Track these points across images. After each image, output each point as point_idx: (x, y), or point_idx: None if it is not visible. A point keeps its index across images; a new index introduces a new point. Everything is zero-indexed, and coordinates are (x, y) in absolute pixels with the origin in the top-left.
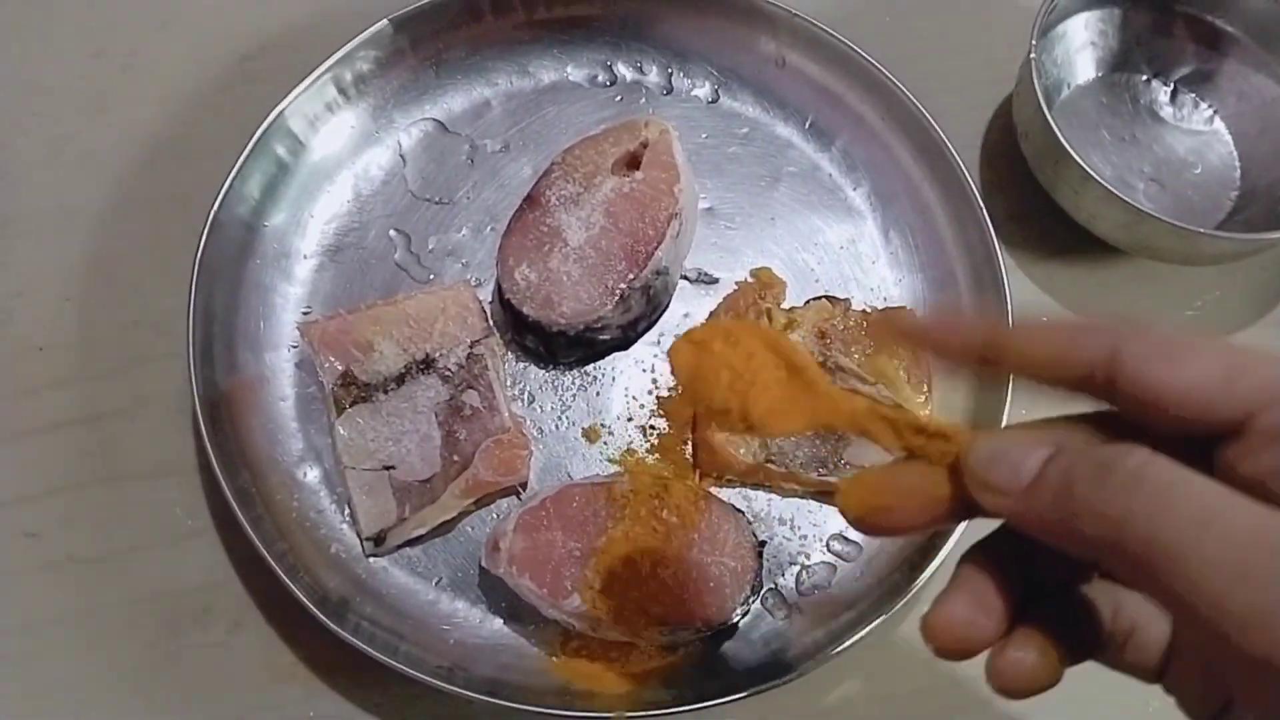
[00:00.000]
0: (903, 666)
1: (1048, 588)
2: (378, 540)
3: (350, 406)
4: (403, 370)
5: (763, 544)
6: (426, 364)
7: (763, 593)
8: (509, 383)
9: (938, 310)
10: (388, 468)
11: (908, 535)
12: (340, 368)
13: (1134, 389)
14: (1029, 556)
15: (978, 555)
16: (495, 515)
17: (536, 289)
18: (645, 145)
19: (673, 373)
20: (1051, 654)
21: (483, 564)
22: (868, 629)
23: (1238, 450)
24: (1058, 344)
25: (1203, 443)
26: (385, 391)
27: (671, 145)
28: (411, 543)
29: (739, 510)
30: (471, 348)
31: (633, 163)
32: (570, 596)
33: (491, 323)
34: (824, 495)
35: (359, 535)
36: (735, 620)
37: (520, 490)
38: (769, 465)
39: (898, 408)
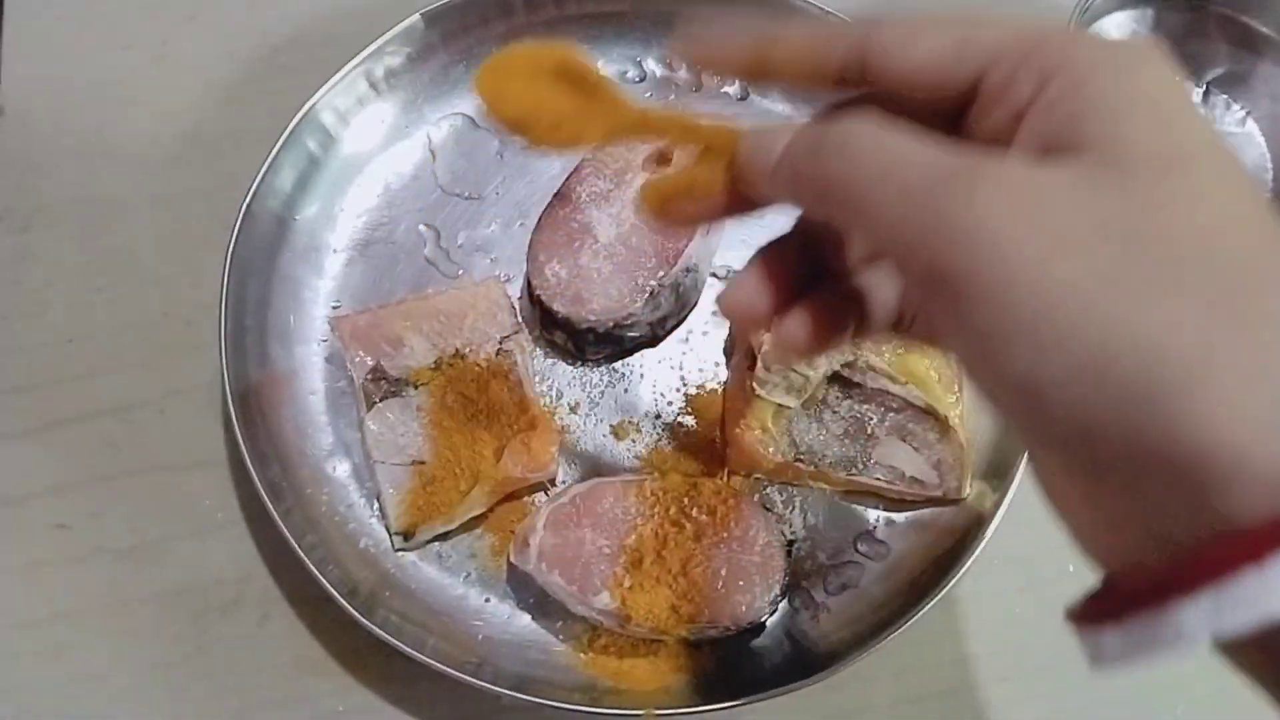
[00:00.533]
0: (932, 667)
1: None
2: (407, 535)
3: (380, 401)
4: (433, 365)
5: (792, 543)
6: (456, 359)
7: (791, 592)
8: (537, 379)
9: (706, 34)
10: (418, 462)
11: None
12: (370, 362)
13: (880, 75)
14: (815, 245)
15: (772, 244)
16: (523, 512)
17: (566, 285)
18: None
19: (481, 99)
20: (819, 326)
21: (511, 560)
22: (897, 630)
23: (974, 114)
24: (814, 47)
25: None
26: (415, 386)
27: None
28: (440, 538)
29: (768, 509)
30: (501, 343)
31: (663, 159)
32: (599, 594)
33: (520, 319)
34: (853, 495)
35: (388, 530)
36: (764, 619)
37: (549, 486)
38: (798, 464)
39: (681, 113)
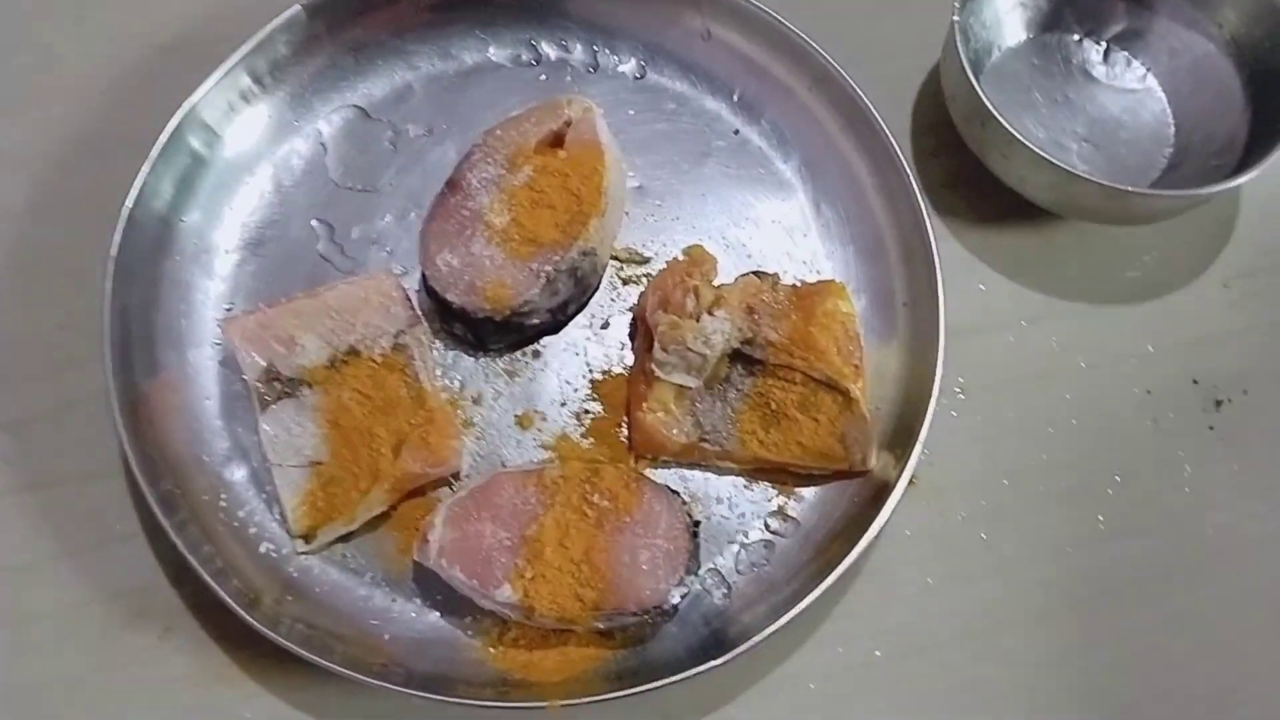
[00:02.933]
0: (851, 639)
1: None
2: (307, 538)
3: (275, 402)
4: (328, 363)
5: (697, 524)
6: (351, 355)
7: (701, 573)
8: (439, 372)
9: None
10: (315, 463)
11: None
12: (263, 363)
13: None
14: None
15: None
16: (428, 509)
17: (459, 274)
18: (569, 124)
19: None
20: None
21: (414, 557)
22: (807, 601)
23: None
24: None
25: None
26: (310, 386)
27: (595, 123)
28: (343, 539)
29: (674, 491)
30: (396, 337)
31: (556, 142)
32: (501, 586)
33: (418, 311)
34: (761, 473)
35: (288, 533)
36: (674, 603)
37: (453, 481)
38: (703, 444)
39: None
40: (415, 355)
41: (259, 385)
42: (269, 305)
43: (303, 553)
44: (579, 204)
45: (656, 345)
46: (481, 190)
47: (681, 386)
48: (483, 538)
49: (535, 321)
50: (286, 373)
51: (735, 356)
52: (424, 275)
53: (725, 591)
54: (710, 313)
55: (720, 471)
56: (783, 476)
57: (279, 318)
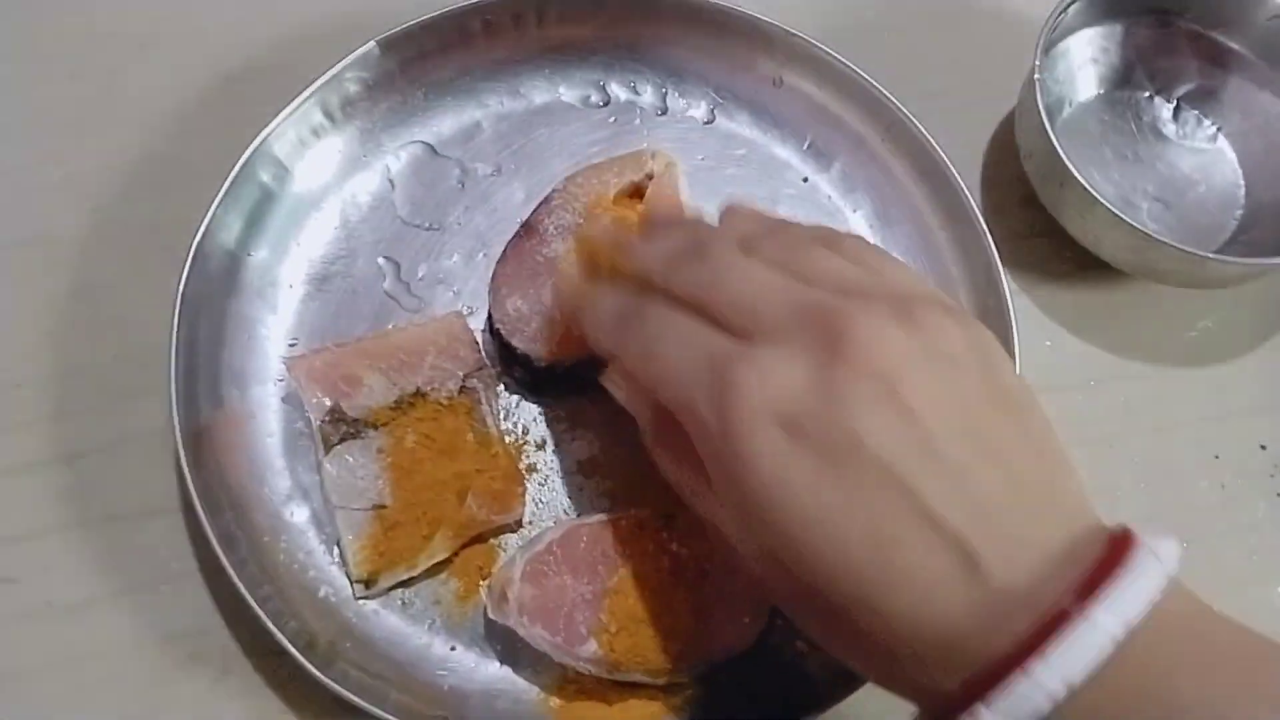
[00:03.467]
0: None
1: None
2: (368, 583)
3: (339, 443)
4: (394, 405)
5: None
6: (417, 398)
7: (777, 616)
8: (502, 415)
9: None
10: (379, 506)
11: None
12: (328, 403)
13: None
14: None
15: None
16: (490, 555)
17: (528, 320)
18: (650, 177)
19: None
20: None
21: (489, 615)
22: None
23: None
24: None
25: None
26: (375, 428)
27: (678, 180)
28: (404, 584)
29: None
30: (464, 381)
31: (636, 194)
32: (586, 642)
33: (484, 354)
34: None
35: (348, 577)
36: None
37: (516, 527)
38: None
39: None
40: (482, 399)
41: (324, 425)
42: (336, 344)
43: (362, 597)
44: None
45: None
46: (557, 237)
47: None
48: (564, 593)
49: (596, 376)
50: (352, 413)
51: None
52: (490, 317)
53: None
54: None
55: None
56: None
57: (346, 357)
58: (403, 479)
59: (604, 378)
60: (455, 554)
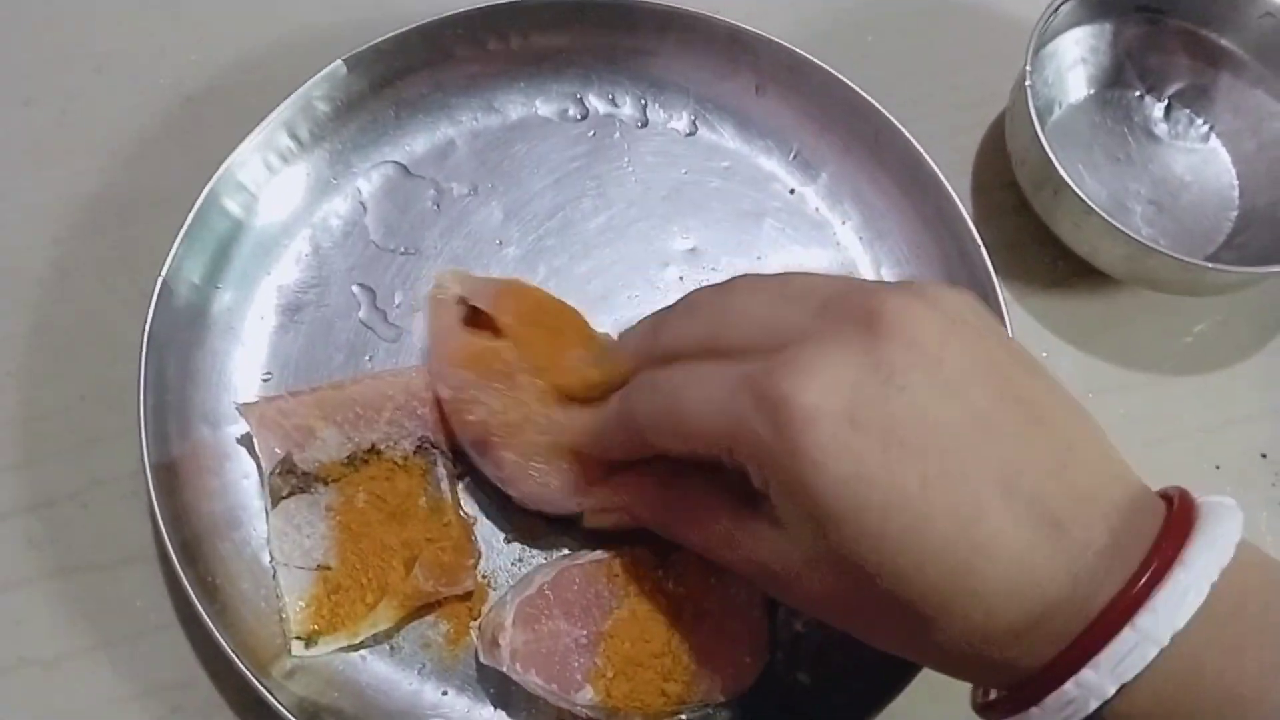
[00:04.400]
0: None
1: None
2: (308, 641)
3: (287, 497)
4: (346, 460)
5: (773, 603)
6: (372, 455)
7: (775, 649)
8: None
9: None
10: (323, 567)
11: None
12: (279, 453)
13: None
14: None
15: None
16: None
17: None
18: (461, 301)
19: None
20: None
21: (481, 660)
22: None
23: None
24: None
25: None
26: (325, 483)
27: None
28: (350, 648)
29: None
30: (420, 441)
31: (475, 321)
32: (583, 689)
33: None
34: None
35: (285, 634)
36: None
37: (465, 598)
38: None
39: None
40: (438, 462)
41: (274, 477)
42: (291, 392)
43: (298, 656)
44: None
45: None
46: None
47: None
48: (558, 638)
49: None
50: (303, 466)
51: None
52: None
53: (802, 669)
54: None
55: None
56: None
57: (300, 406)
58: (350, 541)
59: (588, 521)
60: (399, 625)
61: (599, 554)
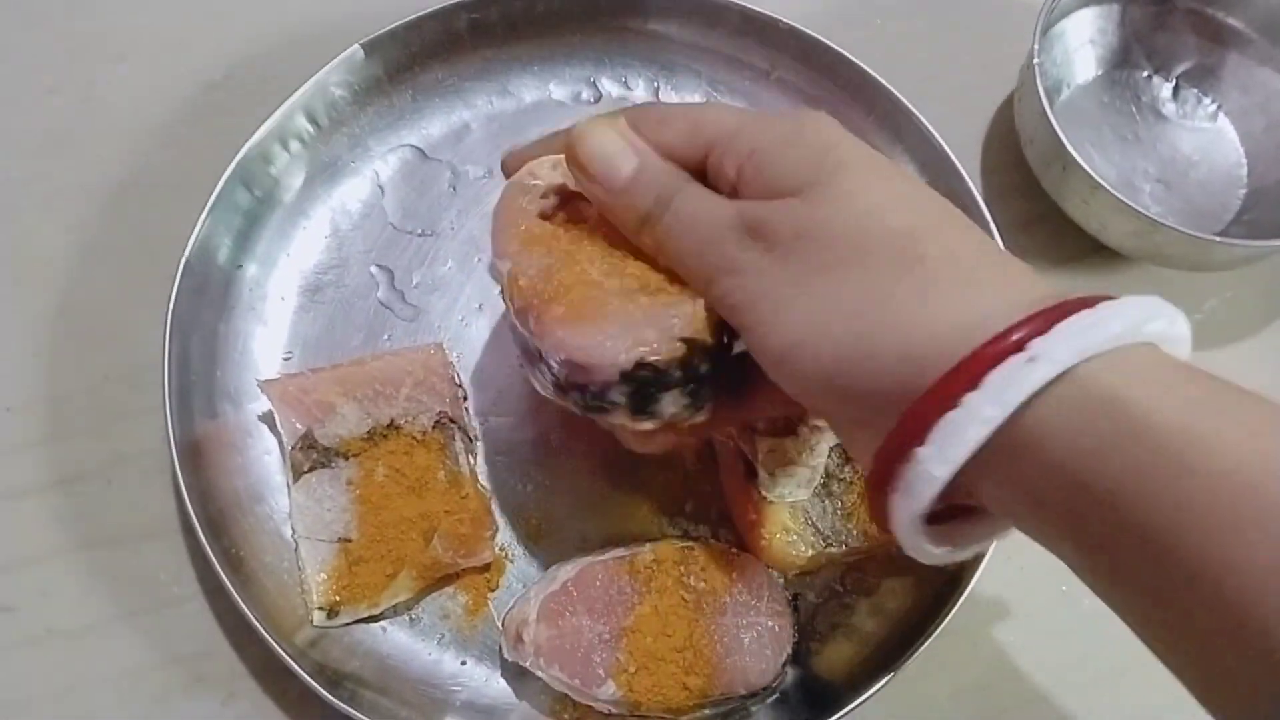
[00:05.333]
0: (928, 701)
1: None
2: (330, 612)
3: (308, 471)
4: (366, 436)
5: (796, 596)
6: (391, 430)
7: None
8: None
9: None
10: (344, 540)
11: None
12: (300, 429)
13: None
14: None
15: None
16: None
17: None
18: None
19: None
20: None
21: (505, 656)
22: (898, 668)
23: (709, 180)
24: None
25: None
26: (345, 458)
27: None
28: (371, 619)
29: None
30: (438, 417)
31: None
32: (605, 684)
33: (464, 388)
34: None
35: (307, 605)
36: (776, 682)
37: (483, 570)
38: (829, 550)
39: None
40: (456, 437)
41: (295, 452)
42: (312, 369)
43: (322, 626)
44: None
45: (761, 471)
46: None
47: (794, 502)
48: (580, 633)
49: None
50: (323, 442)
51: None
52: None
53: (805, 658)
54: (804, 422)
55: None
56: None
57: (321, 383)
58: (370, 514)
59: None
60: (419, 595)
61: (621, 551)
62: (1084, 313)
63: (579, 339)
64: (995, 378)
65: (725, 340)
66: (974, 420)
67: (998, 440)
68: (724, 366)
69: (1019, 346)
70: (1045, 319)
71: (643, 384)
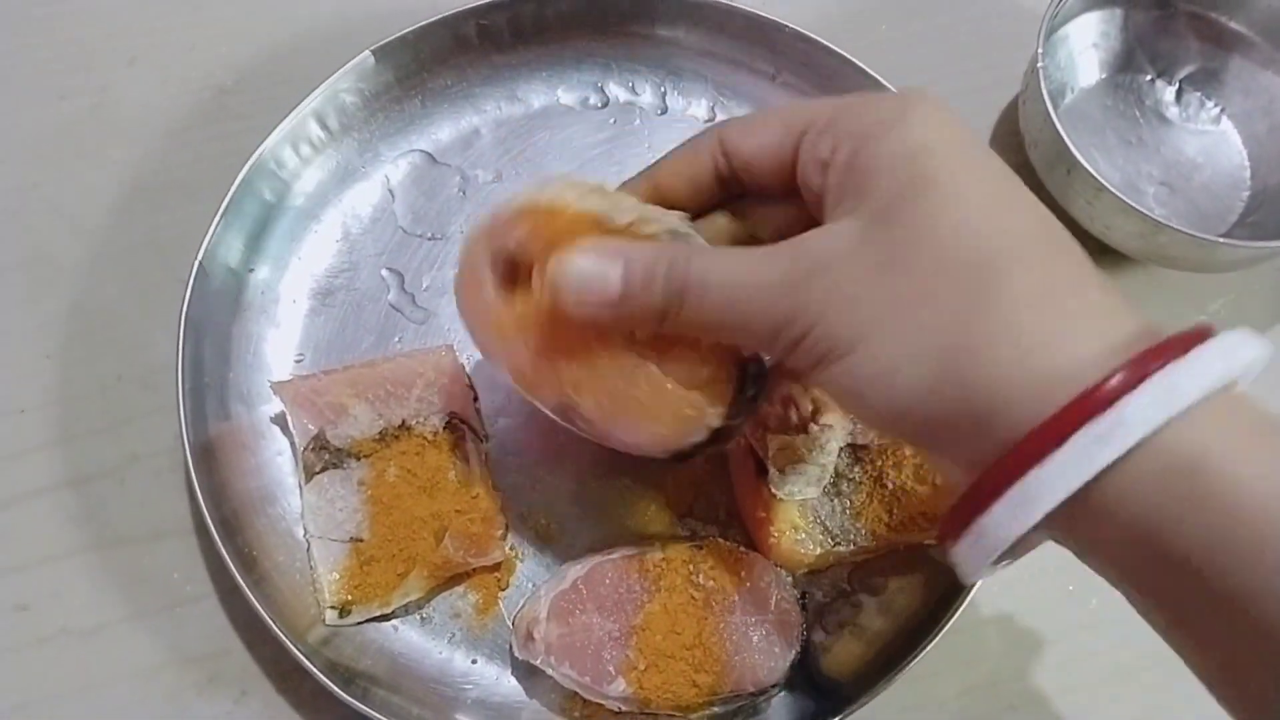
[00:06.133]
0: (937, 698)
1: None
2: (343, 611)
3: (320, 472)
4: (377, 436)
5: (804, 594)
6: (402, 431)
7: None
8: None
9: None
10: (356, 540)
11: None
12: (313, 429)
13: (738, 166)
14: None
15: None
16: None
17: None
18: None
19: None
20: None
21: (516, 654)
22: (905, 667)
23: (799, 178)
24: (688, 160)
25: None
26: (357, 458)
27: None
28: (383, 618)
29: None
30: (449, 417)
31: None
32: (615, 681)
33: (475, 389)
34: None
35: (319, 604)
36: (782, 679)
37: (494, 569)
38: (836, 549)
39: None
40: (467, 437)
41: (307, 453)
42: (324, 371)
43: (334, 625)
44: None
45: (772, 469)
46: None
47: (804, 500)
48: (590, 631)
49: None
50: (335, 442)
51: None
52: None
53: (813, 655)
54: (815, 421)
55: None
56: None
57: (333, 384)
58: (381, 514)
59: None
60: (430, 594)
61: (630, 549)
62: (1175, 365)
63: (630, 436)
64: (1080, 441)
65: (747, 393)
66: (1053, 489)
67: (1073, 499)
68: (744, 411)
69: (1108, 402)
70: (1136, 370)
71: (682, 454)
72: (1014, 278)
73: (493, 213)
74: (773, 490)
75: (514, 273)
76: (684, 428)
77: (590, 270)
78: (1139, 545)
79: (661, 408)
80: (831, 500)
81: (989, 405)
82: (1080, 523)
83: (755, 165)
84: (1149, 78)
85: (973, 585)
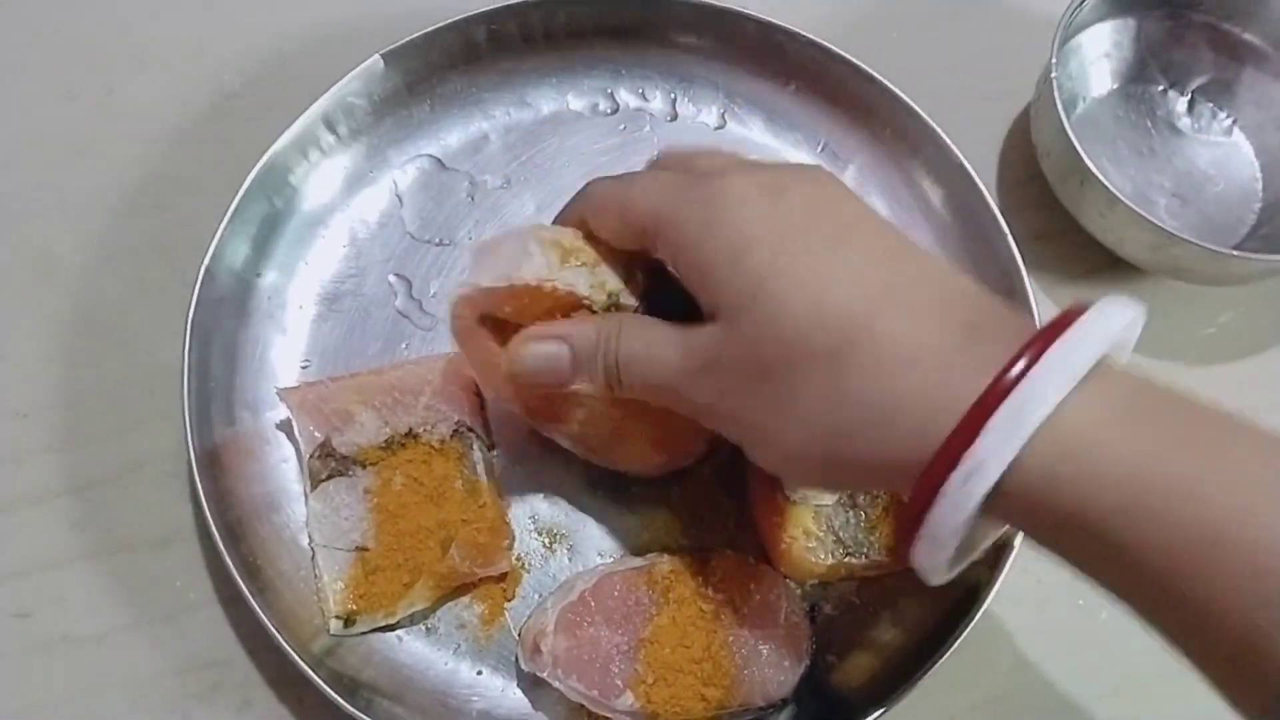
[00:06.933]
0: (945, 715)
1: None
2: (348, 620)
3: (326, 479)
4: (384, 444)
5: (813, 608)
6: (409, 439)
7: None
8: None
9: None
10: (361, 549)
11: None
12: (319, 437)
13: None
14: None
15: None
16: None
17: None
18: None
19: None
20: None
21: (522, 666)
22: (916, 682)
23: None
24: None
25: None
26: (363, 466)
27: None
28: (388, 628)
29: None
30: (457, 426)
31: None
32: (623, 694)
33: (482, 397)
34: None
35: (324, 613)
36: (793, 693)
37: (500, 579)
38: (849, 560)
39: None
40: (474, 446)
41: (313, 460)
42: (331, 378)
43: (339, 635)
44: None
45: None
46: None
47: (818, 506)
48: (598, 644)
49: None
50: (341, 450)
51: None
52: None
53: (822, 669)
54: None
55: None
56: None
57: (339, 391)
58: (387, 522)
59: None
60: (435, 604)
61: (639, 561)
62: (1061, 344)
63: (630, 467)
64: (996, 430)
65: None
66: (983, 475)
67: (1002, 486)
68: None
69: (1008, 390)
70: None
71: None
72: (863, 350)
73: (474, 281)
74: (787, 494)
75: (504, 328)
76: (679, 452)
77: (542, 354)
78: (1069, 525)
79: (651, 442)
80: (847, 511)
81: (882, 461)
82: (1017, 511)
83: (618, 245)
84: (1161, 88)
85: (984, 599)
